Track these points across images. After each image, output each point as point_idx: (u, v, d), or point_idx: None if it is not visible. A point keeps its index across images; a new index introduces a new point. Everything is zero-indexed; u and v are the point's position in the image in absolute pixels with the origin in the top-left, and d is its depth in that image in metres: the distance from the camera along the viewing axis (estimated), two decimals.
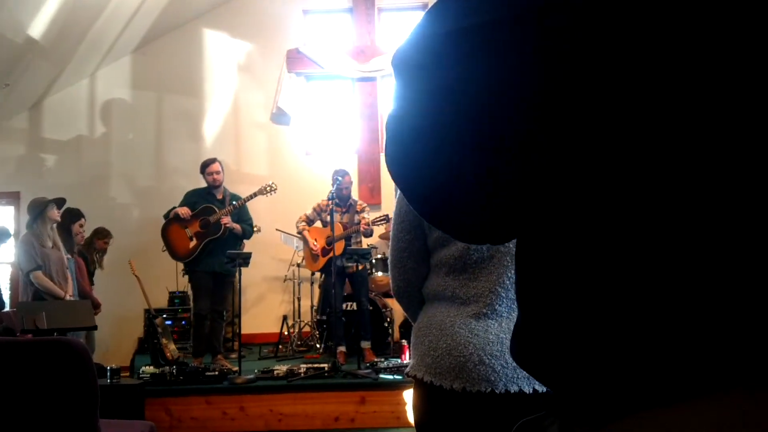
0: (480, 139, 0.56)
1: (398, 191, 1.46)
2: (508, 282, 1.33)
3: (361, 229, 5.89)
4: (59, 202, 5.75)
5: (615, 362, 0.51)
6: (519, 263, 0.64)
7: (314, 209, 6.14)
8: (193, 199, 5.99)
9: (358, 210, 6.06)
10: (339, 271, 5.96)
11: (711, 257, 0.49)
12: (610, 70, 0.51)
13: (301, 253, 7.34)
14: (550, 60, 0.53)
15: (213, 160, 6.03)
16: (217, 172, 5.95)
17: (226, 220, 5.85)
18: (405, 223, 1.43)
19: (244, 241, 6.33)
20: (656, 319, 0.49)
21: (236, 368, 5.55)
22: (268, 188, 6.07)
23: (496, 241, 0.63)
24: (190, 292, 7.42)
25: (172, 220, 5.94)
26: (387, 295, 6.88)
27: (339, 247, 5.93)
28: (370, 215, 6.09)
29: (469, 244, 0.62)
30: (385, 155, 0.63)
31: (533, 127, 0.54)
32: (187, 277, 6.27)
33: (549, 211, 0.55)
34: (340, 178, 5.99)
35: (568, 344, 0.55)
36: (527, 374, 1.25)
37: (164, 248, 6.02)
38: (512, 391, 1.25)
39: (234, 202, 5.92)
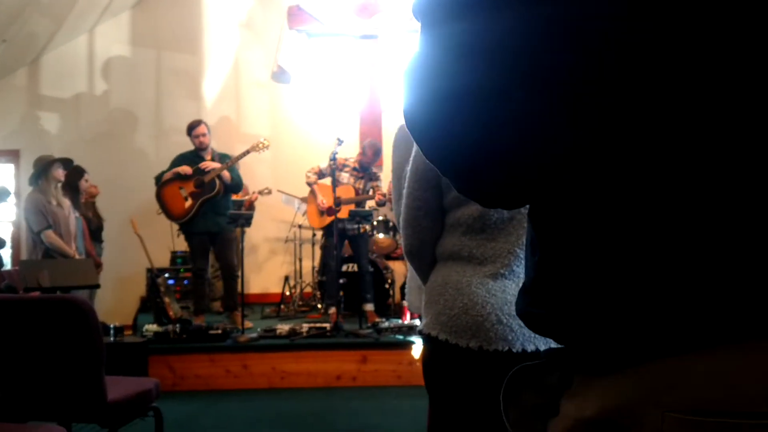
0: (525, 98, 0.54)
1: (414, 149, 1.43)
2: None
3: (377, 199, 5.84)
4: (66, 162, 5.71)
5: (618, 318, 0.54)
6: (536, 225, 0.64)
7: (329, 164, 6.03)
8: (181, 162, 5.87)
9: (373, 178, 6.01)
10: (340, 233, 5.94)
11: (713, 231, 0.51)
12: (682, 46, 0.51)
13: (302, 215, 7.34)
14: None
15: (198, 122, 5.90)
16: (204, 135, 5.82)
17: (213, 165, 5.76)
18: (422, 181, 1.40)
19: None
20: (659, 280, 0.52)
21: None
22: (260, 146, 5.93)
23: (516, 205, 0.64)
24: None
25: (165, 182, 5.86)
26: (388, 257, 6.90)
27: (346, 210, 5.88)
28: (382, 184, 6.03)
29: (490, 207, 0.62)
30: (406, 117, 0.60)
31: (590, 91, 0.53)
32: (183, 237, 6.25)
33: (581, 175, 0.55)
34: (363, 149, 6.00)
35: (578, 301, 0.57)
36: None
37: (160, 211, 5.97)
38: (529, 351, 1.26)
39: (227, 161, 5.84)
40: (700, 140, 0.51)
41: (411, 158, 1.43)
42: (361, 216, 5.81)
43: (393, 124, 7.99)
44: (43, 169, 5.48)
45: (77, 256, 5.48)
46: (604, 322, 0.55)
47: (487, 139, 0.55)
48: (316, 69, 8.11)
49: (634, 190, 0.53)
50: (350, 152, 6.23)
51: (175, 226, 6.53)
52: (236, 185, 5.88)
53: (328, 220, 6.03)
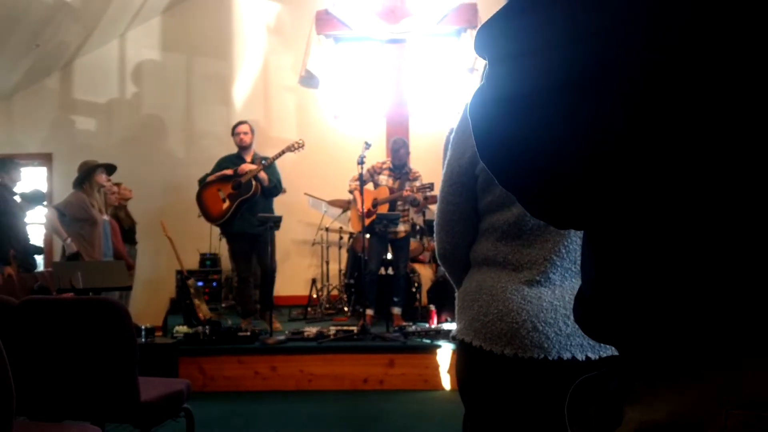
0: (592, 109, 0.53)
1: (447, 154, 1.43)
2: (563, 251, 1.29)
3: (404, 194, 5.85)
4: (109, 168, 5.83)
5: (680, 327, 0.56)
6: (594, 241, 0.64)
7: (368, 170, 6.03)
8: (224, 164, 5.98)
9: (411, 178, 6.01)
10: (382, 235, 5.96)
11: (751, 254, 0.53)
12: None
13: (328, 217, 7.38)
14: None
15: (242, 122, 6.06)
16: (245, 133, 5.92)
17: (250, 167, 5.82)
18: (456, 185, 1.39)
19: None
20: (719, 292, 0.54)
21: (277, 327, 5.70)
22: (296, 145, 5.98)
23: (585, 226, 0.63)
24: (221, 254, 7.53)
25: (206, 184, 5.95)
26: (414, 260, 6.90)
27: (382, 211, 5.90)
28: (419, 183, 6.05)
29: (564, 229, 0.63)
30: (476, 138, 0.60)
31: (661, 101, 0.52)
32: (224, 240, 6.37)
33: (636, 196, 0.56)
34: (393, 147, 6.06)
35: (642, 311, 0.58)
36: (580, 342, 1.25)
37: (199, 214, 6.06)
38: (565, 359, 1.24)
39: (263, 161, 5.90)
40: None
41: (445, 162, 1.42)
42: (388, 219, 5.82)
43: (419, 127, 7.99)
44: (86, 173, 5.60)
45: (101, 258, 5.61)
46: (667, 332, 0.57)
47: (554, 143, 0.55)
48: (344, 73, 8.15)
49: (696, 202, 0.54)
50: (378, 156, 6.25)
51: (205, 230, 6.60)
52: (273, 187, 5.92)
53: (367, 221, 6.06)
